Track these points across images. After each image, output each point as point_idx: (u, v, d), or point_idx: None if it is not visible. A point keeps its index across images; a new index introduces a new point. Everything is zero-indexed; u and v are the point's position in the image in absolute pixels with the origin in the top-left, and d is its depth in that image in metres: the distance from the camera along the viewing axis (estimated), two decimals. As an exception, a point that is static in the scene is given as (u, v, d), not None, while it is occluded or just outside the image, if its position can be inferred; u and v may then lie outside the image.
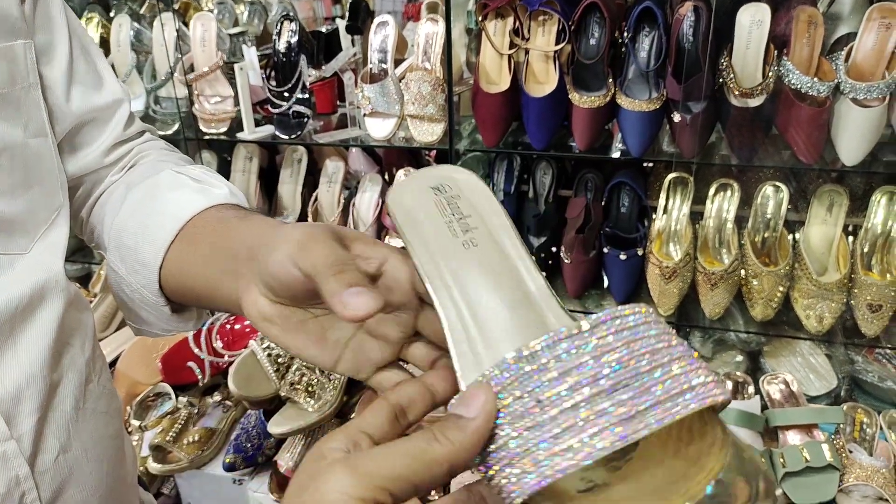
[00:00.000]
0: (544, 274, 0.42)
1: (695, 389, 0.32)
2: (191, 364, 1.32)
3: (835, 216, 1.36)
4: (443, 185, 0.46)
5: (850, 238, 1.37)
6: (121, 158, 0.63)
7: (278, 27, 1.52)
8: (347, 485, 0.30)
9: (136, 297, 0.55)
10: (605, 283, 1.50)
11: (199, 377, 1.32)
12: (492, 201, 0.46)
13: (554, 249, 1.51)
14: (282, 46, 1.52)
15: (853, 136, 1.19)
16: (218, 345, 1.35)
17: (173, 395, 1.33)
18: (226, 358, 1.33)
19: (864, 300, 1.31)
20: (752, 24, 1.20)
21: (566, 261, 1.46)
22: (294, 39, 1.51)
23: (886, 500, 1.12)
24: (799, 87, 1.19)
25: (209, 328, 1.37)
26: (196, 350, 1.33)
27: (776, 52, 1.22)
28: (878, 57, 1.20)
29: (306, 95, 1.52)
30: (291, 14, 1.51)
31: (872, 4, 1.20)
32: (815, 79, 1.18)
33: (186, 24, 1.62)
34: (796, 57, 1.22)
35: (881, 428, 1.26)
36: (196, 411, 1.32)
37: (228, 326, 1.42)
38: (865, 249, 1.35)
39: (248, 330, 1.42)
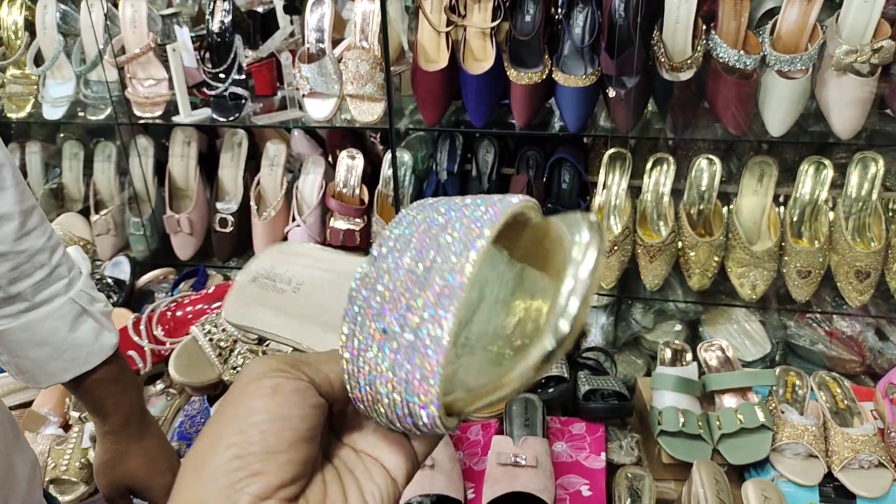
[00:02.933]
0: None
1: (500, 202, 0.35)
2: (131, 353, 1.29)
3: (765, 187, 1.40)
4: (257, 275, 0.58)
5: (781, 207, 1.42)
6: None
7: (211, 7, 1.49)
8: (263, 360, 0.34)
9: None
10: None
11: (141, 366, 1.29)
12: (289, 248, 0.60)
13: (498, 227, 1.52)
14: (215, 26, 1.49)
15: (779, 108, 1.23)
16: (159, 332, 1.32)
17: (114, 386, 1.30)
18: (167, 345, 1.31)
19: (794, 267, 1.36)
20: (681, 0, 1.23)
21: (510, 238, 1.47)
22: (227, 19, 1.47)
23: (816, 456, 1.17)
24: (727, 60, 1.21)
25: (149, 316, 1.34)
26: (136, 338, 1.30)
27: (704, 26, 1.24)
28: (801, 30, 1.24)
29: (243, 77, 1.49)
30: (225, -7, 1.48)
31: (796, -21, 1.23)
32: (742, 52, 1.22)
33: (116, 5, 1.57)
34: (724, 31, 1.24)
35: (811, 388, 1.31)
36: (138, 401, 1.29)
37: (169, 314, 1.39)
38: (795, 218, 1.40)
39: (189, 316, 1.40)
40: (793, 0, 1.23)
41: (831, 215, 1.37)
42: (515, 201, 0.35)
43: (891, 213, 1.39)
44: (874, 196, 1.35)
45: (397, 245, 0.35)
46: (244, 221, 1.64)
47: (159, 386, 1.33)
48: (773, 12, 1.30)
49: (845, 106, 1.22)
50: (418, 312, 0.32)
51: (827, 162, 1.37)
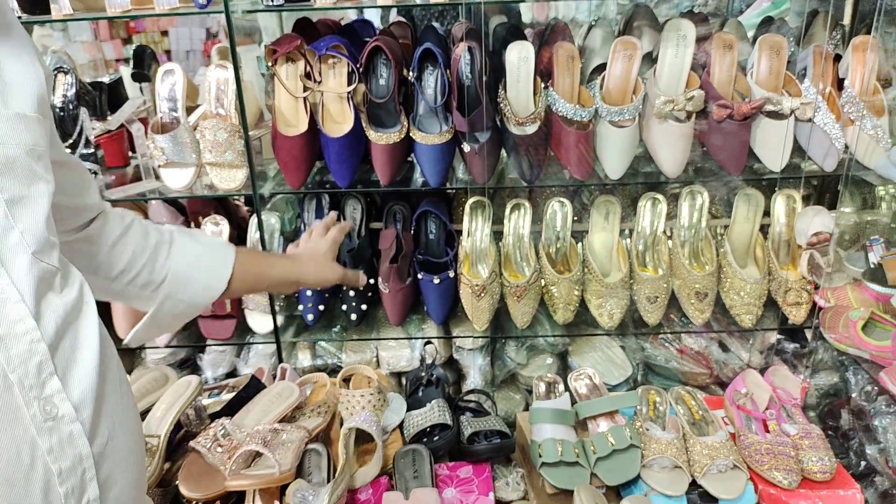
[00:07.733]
0: None
1: None
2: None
3: (611, 223, 1.54)
4: None
5: (627, 240, 1.56)
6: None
7: (52, 81, 1.42)
8: None
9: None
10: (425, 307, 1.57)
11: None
12: None
13: (371, 281, 1.55)
14: (58, 101, 1.42)
15: (613, 154, 1.36)
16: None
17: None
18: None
19: (643, 294, 1.49)
20: (520, 60, 1.34)
21: (384, 291, 1.50)
22: (71, 92, 1.42)
23: (680, 466, 1.28)
24: (565, 113, 1.33)
25: None
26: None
27: (543, 84, 1.36)
28: (625, 83, 1.39)
29: (91, 150, 1.43)
30: (66, 66, 1.42)
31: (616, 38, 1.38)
32: (578, 105, 1.34)
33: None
34: (560, 87, 1.37)
35: (670, 404, 1.43)
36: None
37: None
38: (640, 248, 1.54)
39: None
40: (616, 57, 1.38)
41: (670, 244, 1.52)
42: None
43: (719, 238, 1.57)
44: (703, 223, 1.52)
45: None
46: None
47: None
48: (601, 68, 1.45)
49: (669, 148, 1.37)
50: None
51: (660, 196, 1.52)
